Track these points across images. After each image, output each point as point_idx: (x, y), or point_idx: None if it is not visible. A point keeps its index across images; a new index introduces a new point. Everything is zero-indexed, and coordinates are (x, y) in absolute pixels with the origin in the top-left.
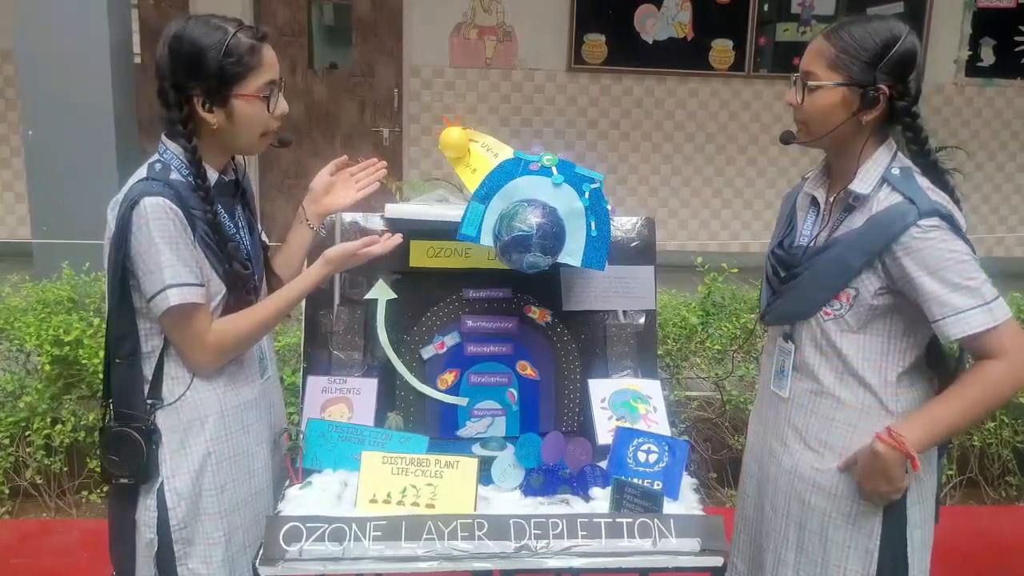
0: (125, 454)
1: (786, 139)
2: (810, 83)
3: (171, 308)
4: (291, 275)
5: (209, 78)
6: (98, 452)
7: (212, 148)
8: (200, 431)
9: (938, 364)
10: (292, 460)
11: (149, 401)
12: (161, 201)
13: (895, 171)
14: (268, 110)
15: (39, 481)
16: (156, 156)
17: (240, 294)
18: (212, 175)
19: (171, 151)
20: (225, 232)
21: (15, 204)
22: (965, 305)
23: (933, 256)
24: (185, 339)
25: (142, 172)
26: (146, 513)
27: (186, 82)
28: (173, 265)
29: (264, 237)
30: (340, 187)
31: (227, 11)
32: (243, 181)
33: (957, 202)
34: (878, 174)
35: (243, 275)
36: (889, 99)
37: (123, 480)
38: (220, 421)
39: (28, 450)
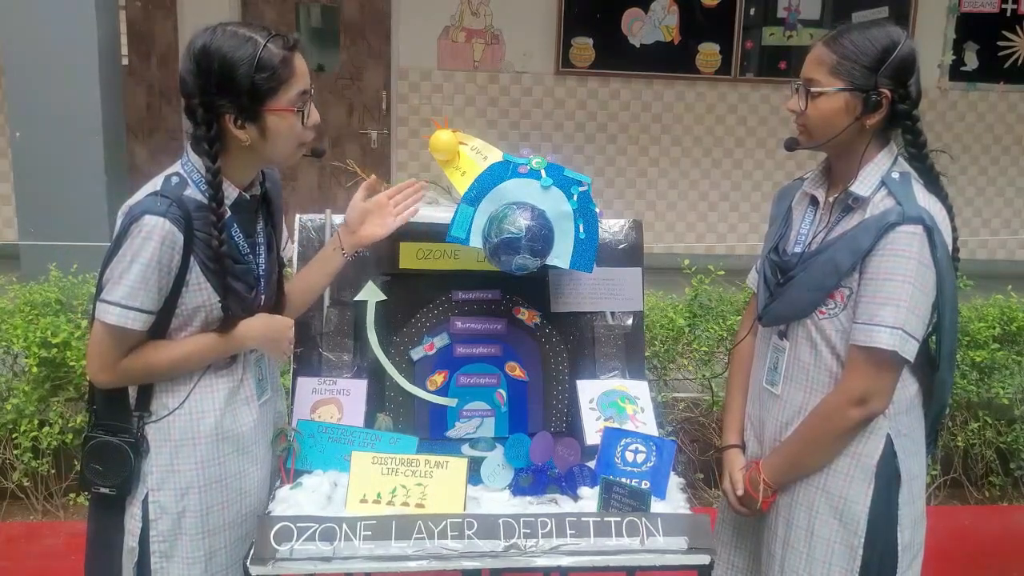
0: (110, 465)
1: (790, 146)
2: (813, 89)
3: (105, 322)
4: (310, 300)
5: (241, 95)
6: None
7: (240, 163)
8: (192, 451)
9: (923, 364)
10: (283, 461)
11: (136, 413)
12: (162, 222)
13: (895, 175)
14: (302, 122)
15: (26, 484)
16: (177, 167)
17: (244, 315)
18: (232, 193)
19: (192, 164)
20: (232, 257)
21: (1, 206)
22: (886, 321)
23: (894, 264)
24: (98, 351)
25: (157, 183)
26: (131, 522)
27: (217, 100)
28: (134, 287)
29: (285, 252)
30: (376, 215)
31: (214, 13)
32: (271, 194)
33: (950, 208)
34: (878, 177)
35: (243, 299)
36: (891, 103)
37: (103, 490)
38: (214, 443)
39: (15, 452)
